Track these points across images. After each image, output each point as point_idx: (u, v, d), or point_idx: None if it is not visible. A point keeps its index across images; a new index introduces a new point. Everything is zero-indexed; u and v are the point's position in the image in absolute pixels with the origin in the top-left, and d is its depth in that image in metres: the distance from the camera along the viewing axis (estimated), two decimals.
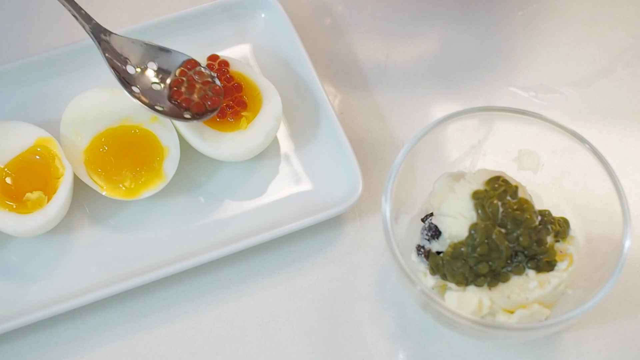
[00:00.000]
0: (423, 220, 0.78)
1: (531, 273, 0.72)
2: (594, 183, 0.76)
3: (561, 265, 0.73)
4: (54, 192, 0.81)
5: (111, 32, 0.83)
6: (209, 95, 0.84)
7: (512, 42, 0.97)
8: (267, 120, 0.85)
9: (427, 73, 0.95)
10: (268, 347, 0.79)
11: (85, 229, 0.84)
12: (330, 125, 0.87)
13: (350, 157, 0.84)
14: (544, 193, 0.80)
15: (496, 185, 0.73)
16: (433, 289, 0.75)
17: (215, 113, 0.84)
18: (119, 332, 0.80)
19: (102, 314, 0.80)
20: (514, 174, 0.77)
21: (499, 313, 0.72)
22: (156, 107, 0.82)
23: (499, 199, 0.72)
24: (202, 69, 0.85)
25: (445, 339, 0.79)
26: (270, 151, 0.88)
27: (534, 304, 0.72)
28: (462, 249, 0.72)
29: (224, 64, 0.87)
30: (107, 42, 0.83)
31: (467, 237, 0.72)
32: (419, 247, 0.76)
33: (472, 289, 0.72)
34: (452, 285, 0.73)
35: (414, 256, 0.76)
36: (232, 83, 0.86)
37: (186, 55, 0.85)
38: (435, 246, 0.75)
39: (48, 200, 0.81)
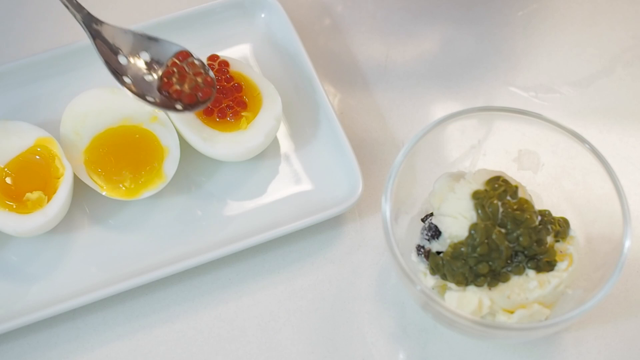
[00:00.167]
0: (423, 220, 0.78)
1: (531, 273, 0.72)
2: (594, 183, 0.76)
3: (561, 265, 0.73)
4: (54, 192, 0.81)
5: (103, 22, 0.83)
6: (201, 86, 0.83)
7: (512, 42, 0.97)
8: (267, 120, 0.85)
9: (427, 73, 0.95)
10: (268, 347, 0.79)
11: (85, 229, 0.84)
12: (330, 125, 0.87)
13: (350, 157, 0.84)
14: (544, 193, 0.80)
15: (496, 185, 0.73)
16: (433, 289, 0.75)
17: (207, 104, 0.83)
18: (119, 332, 0.80)
19: (102, 314, 0.80)
20: (514, 174, 0.77)
21: (499, 313, 0.72)
22: (147, 98, 0.82)
23: (499, 199, 0.72)
24: (195, 60, 0.84)
25: (445, 339, 0.79)
26: (270, 151, 0.88)
27: (534, 304, 0.72)
28: (462, 249, 0.72)
29: (224, 64, 0.87)
30: (99, 31, 0.82)
31: (467, 237, 0.72)
32: (419, 247, 0.76)
33: (472, 289, 0.72)
34: (452, 285, 0.73)
35: (414, 256, 0.76)
36: (232, 83, 0.86)
37: (179, 46, 0.85)
38: (435, 246, 0.75)
39: (48, 200, 0.81)
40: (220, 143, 0.84)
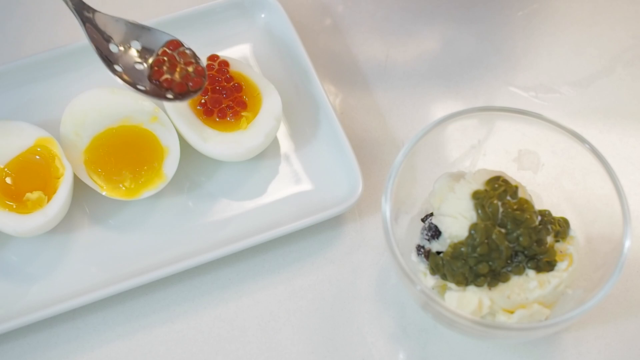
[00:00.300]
0: (423, 220, 0.78)
1: (531, 273, 0.72)
2: (594, 183, 0.76)
3: (561, 265, 0.73)
4: (54, 192, 0.81)
5: (95, 10, 0.82)
6: (191, 75, 0.83)
7: (512, 42, 0.97)
8: (267, 120, 0.85)
9: (427, 73, 0.95)
10: (268, 347, 0.79)
11: (85, 229, 0.84)
12: (330, 125, 0.87)
13: (350, 157, 0.84)
14: (544, 193, 0.80)
15: (496, 185, 0.73)
16: (433, 289, 0.75)
17: (197, 93, 0.83)
18: (119, 332, 0.80)
19: (102, 314, 0.80)
20: (514, 174, 0.77)
21: (499, 313, 0.72)
22: (138, 87, 0.81)
23: (499, 199, 0.72)
24: (186, 49, 0.84)
25: (445, 339, 0.79)
26: (270, 151, 0.88)
27: (534, 304, 0.72)
28: (462, 249, 0.72)
29: (224, 64, 0.87)
30: (91, 19, 0.82)
31: (467, 237, 0.72)
32: (419, 247, 0.76)
33: (472, 289, 0.72)
34: (452, 285, 0.73)
35: (414, 256, 0.76)
36: (232, 83, 0.86)
37: (170, 35, 0.84)
38: (435, 246, 0.75)
39: (48, 200, 0.81)
40: (220, 143, 0.84)
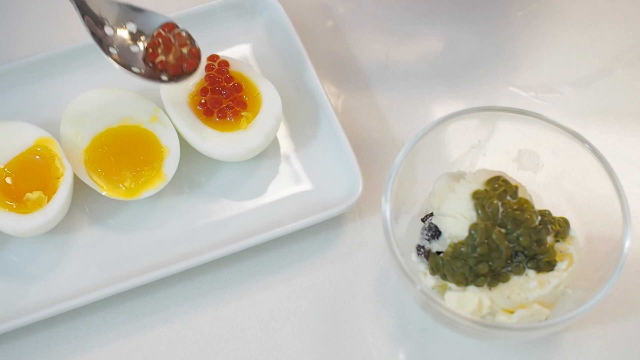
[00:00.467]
0: (423, 220, 0.78)
1: (531, 273, 0.72)
2: (594, 183, 0.76)
3: (561, 265, 0.73)
4: (54, 192, 0.81)
5: None
6: (186, 57, 0.83)
7: (513, 42, 0.97)
8: (267, 120, 0.85)
9: (428, 73, 0.95)
10: (268, 347, 0.79)
11: (85, 229, 0.84)
12: (330, 125, 0.87)
13: (350, 157, 0.84)
14: (544, 193, 0.80)
15: (496, 185, 0.73)
16: (433, 289, 0.75)
17: (192, 75, 0.83)
18: (119, 332, 0.80)
19: (102, 314, 0.80)
20: (514, 174, 0.77)
21: (499, 313, 0.72)
22: (133, 69, 0.81)
23: (499, 199, 0.72)
24: (181, 31, 0.84)
25: (445, 339, 0.79)
26: (270, 151, 0.88)
27: (534, 304, 0.72)
28: (462, 249, 0.72)
29: (224, 64, 0.87)
30: (84, 2, 0.82)
31: (467, 237, 0.72)
32: (419, 247, 0.76)
33: (472, 289, 0.72)
34: (452, 285, 0.73)
35: (414, 256, 0.76)
36: (232, 83, 0.86)
37: (165, 17, 0.84)
38: (435, 246, 0.75)
39: (48, 200, 0.81)
40: (220, 143, 0.84)
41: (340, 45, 0.97)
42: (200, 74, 0.87)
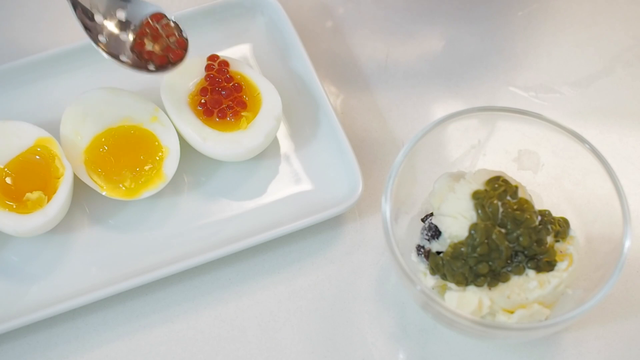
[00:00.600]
0: (423, 220, 0.78)
1: (531, 273, 0.72)
2: (594, 183, 0.76)
3: (561, 265, 0.73)
4: (54, 192, 0.81)
5: None
6: (172, 47, 0.83)
7: (513, 42, 0.97)
8: (267, 120, 0.85)
9: (428, 73, 0.95)
10: (268, 347, 0.79)
11: (85, 229, 0.84)
12: (330, 125, 0.87)
13: (350, 157, 0.84)
14: (544, 193, 0.80)
15: (496, 185, 0.73)
16: (433, 289, 0.75)
17: (177, 66, 0.83)
18: (119, 332, 0.80)
19: (102, 314, 0.80)
20: (514, 174, 0.77)
21: (499, 313, 0.72)
22: (121, 58, 0.81)
23: (499, 199, 0.72)
24: (170, 21, 0.84)
25: (445, 339, 0.79)
26: (270, 151, 0.88)
27: (534, 304, 0.72)
28: (462, 249, 0.72)
29: (224, 64, 0.87)
30: None
31: (467, 237, 0.72)
32: (419, 247, 0.76)
33: (472, 289, 0.72)
34: (452, 285, 0.73)
35: (414, 256, 0.76)
36: (232, 83, 0.86)
37: (154, 6, 0.84)
38: (435, 246, 0.75)
39: (48, 200, 0.81)
40: (220, 143, 0.84)
41: (340, 45, 0.97)
42: (200, 73, 0.87)
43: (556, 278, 0.72)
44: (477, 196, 0.73)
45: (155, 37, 0.82)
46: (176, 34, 0.83)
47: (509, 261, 0.72)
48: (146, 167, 0.83)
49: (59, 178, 0.82)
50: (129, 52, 0.82)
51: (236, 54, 0.94)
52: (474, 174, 0.75)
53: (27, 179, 0.82)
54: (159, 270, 0.79)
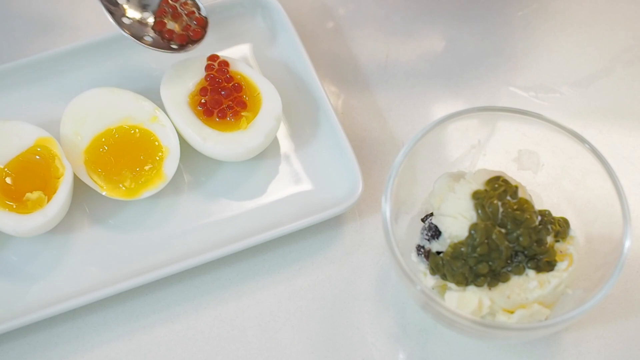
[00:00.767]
0: (423, 220, 0.78)
1: (531, 273, 0.72)
2: (594, 183, 0.76)
3: (561, 265, 0.73)
4: (54, 192, 0.81)
5: None
6: (192, 26, 0.84)
7: (512, 42, 0.97)
8: (267, 120, 0.85)
9: (428, 73, 0.95)
10: (268, 347, 0.79)
11: (85, 229, 0.84)
12: (330, 125, 0.87)
13: (350, 157, 0.84)
14: (544, 193, 0.80)
15: (496, 185, 0.73)
16: (433, 289, 0.75)
17: (198, 44, 0.84)
18: (119, 332, 0.80)
19: (102, 314, 0.80)
20: (514, 174, 0.77)
21: (499, 313, 0.72)
22: (144, 39, 0.83)
23: (499, 199, 0.72)
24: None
25: (445, 339, 0.79)
26: (270, 151, 0.88)
27: (534, 304, 0.72)
28: (462, 249, 0.72)
29: (224, 64, 0.87)
30: None
31: (467, 237, 0.72)
32: (419, 247, 0.76)
33: (472, 289, 0.72)
34: (452, 285, 0.73)
35: (414, 256, 0.76)
36: (232, 83, 0.86)
37: None
38: (435, 246, 0.75)
39: (48, 200, 0.81)
40: (220, 143, 0.84)
41: (340, 45, 0.97)
42: (200, 73, 0.87)
43: (556, 278, 0.72)
44: (477, 196, 0.73)
45: (175, 16, 0.84)
46: (195, 11, 0.84)
47: (509, 261, 0.72)
48: (146, 167, 0.83)
49: (59, 178, 0.82)
50: (152, 33, 0.83)
51: (236, 54, 0.94)
52: (474, 174, 0.75)
53: (27, 179, 0.82)
54: (159, 270, 0.79)
